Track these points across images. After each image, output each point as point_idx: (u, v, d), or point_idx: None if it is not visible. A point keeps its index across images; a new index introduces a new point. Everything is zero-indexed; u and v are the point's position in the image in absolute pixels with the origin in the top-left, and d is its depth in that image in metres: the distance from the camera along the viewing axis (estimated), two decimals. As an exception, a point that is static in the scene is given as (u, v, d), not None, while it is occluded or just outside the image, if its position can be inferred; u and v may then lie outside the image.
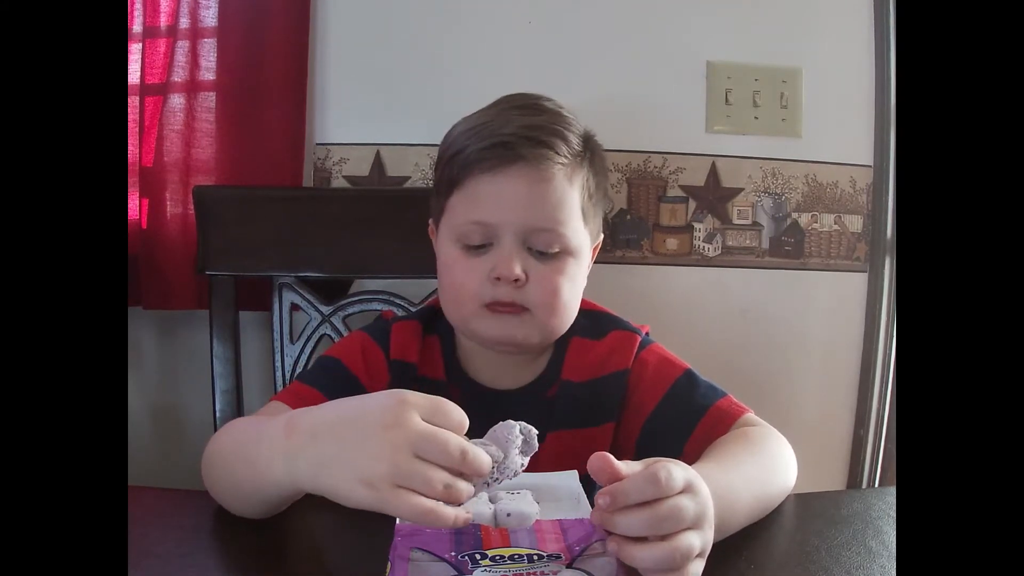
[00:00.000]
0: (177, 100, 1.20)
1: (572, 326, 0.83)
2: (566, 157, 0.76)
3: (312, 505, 0.70)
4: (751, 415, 0.77)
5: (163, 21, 1.20)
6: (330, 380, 0.80)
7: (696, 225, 1.32)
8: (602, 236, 0.87)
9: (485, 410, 0.77)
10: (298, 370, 1.11)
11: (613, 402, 0.81)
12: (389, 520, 0.55)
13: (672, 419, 0.78)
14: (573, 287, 0.79)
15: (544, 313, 0.77)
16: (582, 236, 0.79)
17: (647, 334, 0.86)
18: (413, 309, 1.08)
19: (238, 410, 1.10)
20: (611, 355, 0.82)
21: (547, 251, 0.76)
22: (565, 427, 0.80)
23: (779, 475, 0.71)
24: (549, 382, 0.82)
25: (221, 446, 0.67)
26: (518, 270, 0.74)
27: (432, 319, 0.85)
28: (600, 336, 0.84)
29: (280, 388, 1.11)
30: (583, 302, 0.85)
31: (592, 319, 0.85)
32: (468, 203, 0.76)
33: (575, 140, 0.78)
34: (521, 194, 0.74)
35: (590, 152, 0.81)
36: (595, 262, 1.32)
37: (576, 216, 0.78)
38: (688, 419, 0.77)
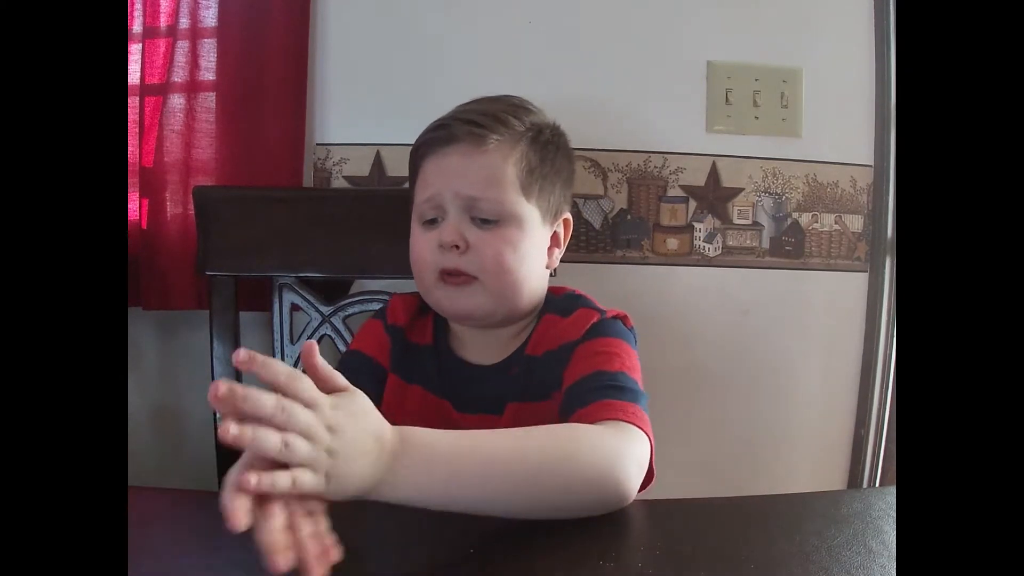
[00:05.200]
0: (177, 100, 1.20)
1: (548, 306, 0.88)
2: (498, 135, 0.82)
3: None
4: (624, 423, 0.70)
5: (163, 21, 1.21)
6: (355, 373, 0.83)
7: (696, 225, 1.32)
8: (567, 216, 0.89)
9: (461, 382, 0.86)
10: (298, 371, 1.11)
11: (561, 373, 0.81)
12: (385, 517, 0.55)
13: (565, 405, 0.76)
14: (518, 255, 0.82)
15: (492, 280, 0.81)
16: (524, 208, 0.83)
17: (620, 317, 0.86)
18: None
19: (238, 410, 1.10)
20: (570, 329, 0.84)
21: (488, 219, 0.82)
22: (522, 400, 0.84)
23: (558, 458, 0.63)
24: (518, 359, 0.86)
25: None
26: (457, 236, 0.81)
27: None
28: (568, 313, 0.86)
29: (280, 388, 1.11)
30: (566, 290, 0.90)
31: (569, 300, 0.88)
32: (421, 185, 0.85)
33: (515, 122, 0.84)
34: (457, 167, 0.82)
35: (534, 132, 0.85)
36: (595, 262, 1.32)
37: (512, 188, 0.82)
38: (572, 407, 0.74)
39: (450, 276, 0.82)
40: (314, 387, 0.54)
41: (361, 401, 0.57)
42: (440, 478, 0.58)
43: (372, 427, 0.56)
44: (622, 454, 0.66)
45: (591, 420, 0.70)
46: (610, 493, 0.64)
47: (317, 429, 0.52)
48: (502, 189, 0.82)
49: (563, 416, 0.75)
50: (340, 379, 0.57)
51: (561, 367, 0.82)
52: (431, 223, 0.84)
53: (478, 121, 0.83)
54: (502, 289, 0.82)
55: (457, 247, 0.81)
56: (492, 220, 0.82)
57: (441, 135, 0.83)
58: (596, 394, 0.74)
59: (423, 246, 0.84)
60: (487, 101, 0.88)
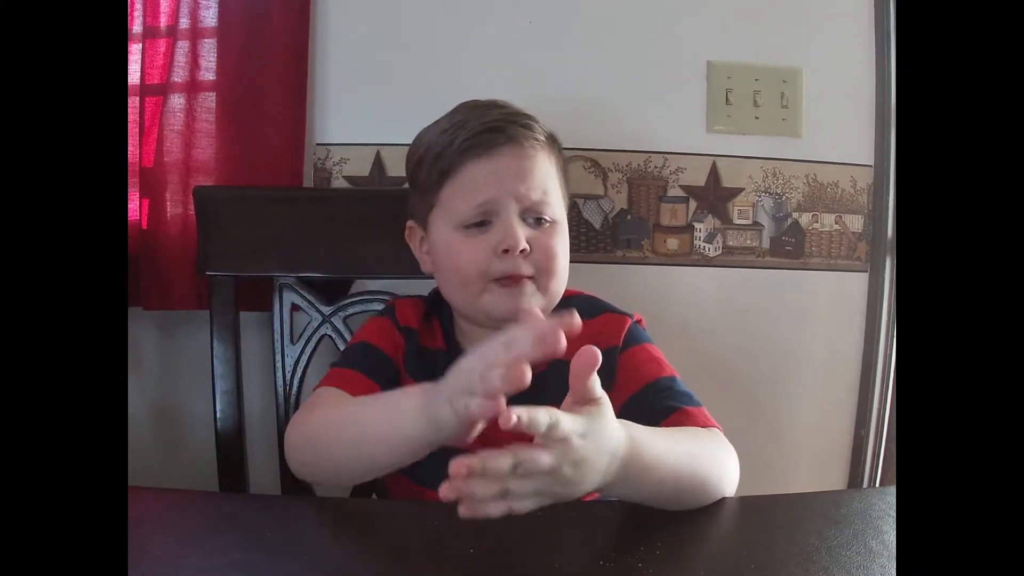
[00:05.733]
0: (177, 100, 1.20)
1: (565, 308, 0.86)
2: (543, 138, 0.85)
3: (310, 508, 0.70)
4: (716, 429, 0.78)
5: (163, 21, 1.20)
6: (368, 361, 0.86)
7: (697, 225, 1.32)
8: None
9: None
10: (299, 371, 1.11)
11: (603, 376, 0.83)
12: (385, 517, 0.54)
13: (641, 412, 0.79)
14: (565, 253, 0.85)
15: (546, 278, 0.83)
16: (562, 209, 0.87)
17: (638, 320, 0.90)
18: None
19: (238, 410, 1.10)
20: (601, 333, 0.86)
21: (542, 220, 0.83)
22: (555, 403, 0.83)
23: (708, 467, 0.72)
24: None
25: (331, 432, 0.74)
26: (523, 241, 0.80)
27: (433, 305, 0.91)
28: (591, 316, 0.87)
29: (281, 388, 1.11)
30: (580, 292, 0.92)
31: (586, 302, 0.90)
32: (466, 187, 0.82)
33: (544, 128, 0.87)
34: (514, 169, 0.82)
35: (554, 139, 0.89)
36: (595, 262, 1.32)
37: (557, 189, 0.86)
38: (655, 416, 0.78)
39: (510, 280, 0.81)
40: (570, 422, 0.56)
41: (606, 415, 0.59)
42: (646, 483, 0.63)
43: (610, 445, 0.60)
44: (736, 460, 0.75)
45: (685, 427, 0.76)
46: (728, 492, 0.73)
47: (558, 472, 0.55)
48: (553, 191, 0.84)
49: (638, 422, 0.77)
50: (597, 388, 0.59)
51: (603, 373, 0.83)
52: (477, 227, 0.82)
53: (525, 124, 0.83)
54: (554, 288, 0.84)
55: (523, 251, 0.80)
56: (547, 221, 0.83)
57: (492, 137, 0.81)
58: (673, 400, 0.80)
59: (473, 253, 0.81)
60: (499, 105, 0.87)
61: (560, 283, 0.85)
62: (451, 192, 0.83)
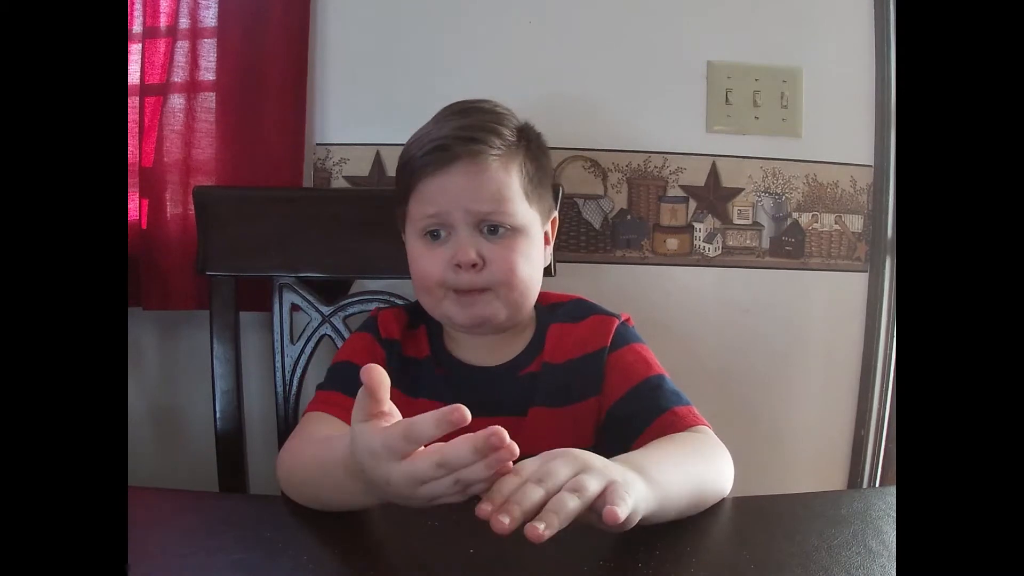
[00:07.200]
0: (177, 100, 1.20)
1: (554, 314, 0.90)
2: (499, 149, 0.84)
3: (309, 508, 0.70)
4: (706, 428, 0.78)
5: (163, 21, 1.21)
6: (350, 380, 0.85)
7: (696, 225, 1.32)
8: (556, 214, 0.94)
9: (468, 386, 0.87)
10: (298, 371, 1.11)
11: (594, 378, 0.86)
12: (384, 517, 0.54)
13: (631, 413, 0.81)
14: (528, 262, 0.85)
15: (505, 290, 0.84)
16: (529, 216, 0.86)
17: (626, 320, 0.91)
18: (412, 309, 1.09)
19: (238, 410, 1.10)
20: (590, 336, 0.88)
21: (497, 231, 0.83)
22: (547, 405, 0.85)
23: (713, 473, 0.72)
24: (528, 361, 0.88)
25: (300, 472, 0.74)
26: (474, 254, 0.82)
27: (419, 312, 0.92)
28: (579, 320, 0.89)
29: (280, 388, 1.11)
30: (570, 297, 0.93)
31: (573, 306, 0.91)
32: (422, 203, 0.84)
33: (507, 132, 0.86)
34: (462, 186, 0.82)
35: (525, 140, 0.88)
36: (595, 262, 1.32)
37: (518, 198, 0.85)
38: (645, 416, 0.79)
39: (465, 293, 0.83)
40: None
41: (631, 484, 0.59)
42: (664, 507, 0.62)
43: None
44: (729, 458, 0.76)
45: (676, 429, 0.77)
46: (726, 493, 0.73)
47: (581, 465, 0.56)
48: (512, 202, 0.84)
49: (629, 423, 0.80)
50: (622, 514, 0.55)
51: (593, 374, 0.86)
52: (435, 237, 0.84)
53: (476, 137, 0.83)
54: (514, 298, 0.85)
55: (475, 265, 0.82)
56: (504, 230, 0.83)
57: (441, 156, 0.83)
58: (662, 401, 0.80)
59: (431, 263, 0.84)
60: (465, 114, 0.87)
61: (523, 294, 0.86)
62: (413, 206, 0.86)
